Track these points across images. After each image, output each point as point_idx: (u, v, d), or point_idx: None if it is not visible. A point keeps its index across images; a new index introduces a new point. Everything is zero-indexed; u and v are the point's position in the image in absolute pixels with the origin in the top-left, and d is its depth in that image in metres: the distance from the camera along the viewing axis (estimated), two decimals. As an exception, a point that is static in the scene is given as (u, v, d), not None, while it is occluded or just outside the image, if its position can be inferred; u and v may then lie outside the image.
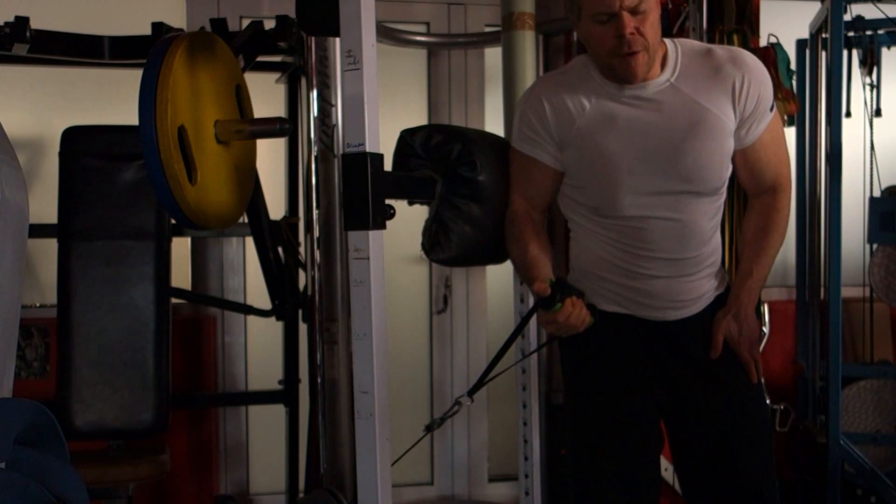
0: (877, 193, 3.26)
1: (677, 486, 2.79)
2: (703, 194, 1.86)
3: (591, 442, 1.98)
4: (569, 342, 2.02)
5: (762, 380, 1.97)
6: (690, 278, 1.90)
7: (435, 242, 2.08)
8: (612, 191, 1.86)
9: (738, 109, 1.83)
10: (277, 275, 3.01)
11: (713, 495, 1.95)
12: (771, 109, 1.88)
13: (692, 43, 1.93)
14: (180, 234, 3.14)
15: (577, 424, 2.02)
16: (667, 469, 2.80)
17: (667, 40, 1.88)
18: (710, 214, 1.89)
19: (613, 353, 1.96)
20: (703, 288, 1.93)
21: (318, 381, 2.66)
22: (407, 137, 2.09)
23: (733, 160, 1.89)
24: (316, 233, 2.65)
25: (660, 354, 1.94)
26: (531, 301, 2.72)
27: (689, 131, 1.81)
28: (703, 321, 1.93)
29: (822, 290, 3.42)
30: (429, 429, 1.88)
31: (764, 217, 1.94)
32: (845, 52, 3.23)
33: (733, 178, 1.96)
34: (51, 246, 2.85)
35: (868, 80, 3.35)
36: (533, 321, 2.57)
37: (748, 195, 2.00)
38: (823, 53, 3.38)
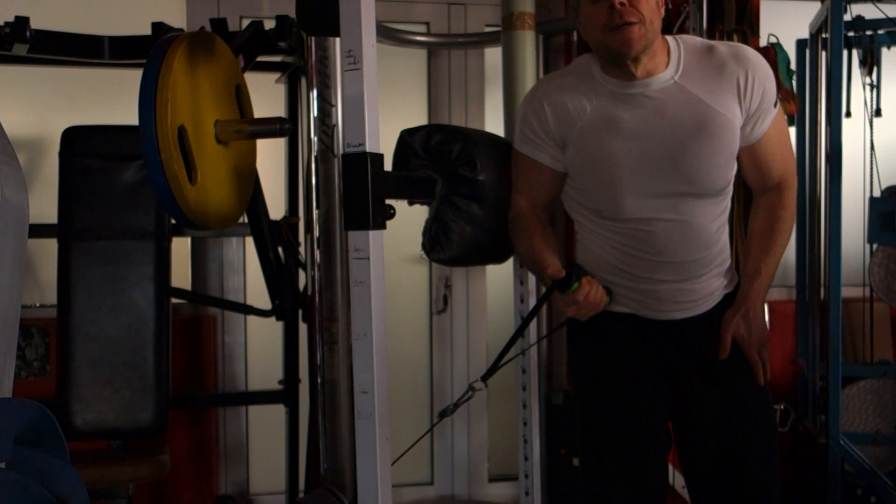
0: (877, 193, 3.26)
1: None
2: (707, 196, 1.84)
3: (600, 442, 1.97)
4: (576, 342, 2.03)
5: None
6: (697, 280, 1.89)
7: (435, 242, 2.08)
8: (613, 193, 1.84)
9: (744, 107, 1.81)
10: (277, 275, 3.01)
11: (717, 496, 1.94)
12: (775, 105, 1.87)
13: (693, 39, 1.90)
14: (180, 234, 3.14)
15: (586, 424, 2.01)
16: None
17: (668, 37, 1.86)
18: (714, 216, 1.87)
19: (620, 353, 1.94)
20: (710, 288, 1.91)
21: (318, 381, 2.66)
22: (407, 137, 2.09)
23: (739, 158, 1.88)
24: (316, 233, 2.65)
25: (666, 354, 1.92)
26: (531, 302, 2.72)
27: (694, 133, 1.78)
28: (712, 320, 1.91)
29: (822, 290, 3.42)
30: (443, 415, 1.93)
31: (771, 215, 1.91)
32: (845, 52, 3.23)
33: (738, 177, 1.94)
34: (51, 246, 2.85)
35: (868, 80, 3.35)
36: (538, 318, 2.57)
37: (754, 192, 1.97)
38: (823, 53, 3.38)
